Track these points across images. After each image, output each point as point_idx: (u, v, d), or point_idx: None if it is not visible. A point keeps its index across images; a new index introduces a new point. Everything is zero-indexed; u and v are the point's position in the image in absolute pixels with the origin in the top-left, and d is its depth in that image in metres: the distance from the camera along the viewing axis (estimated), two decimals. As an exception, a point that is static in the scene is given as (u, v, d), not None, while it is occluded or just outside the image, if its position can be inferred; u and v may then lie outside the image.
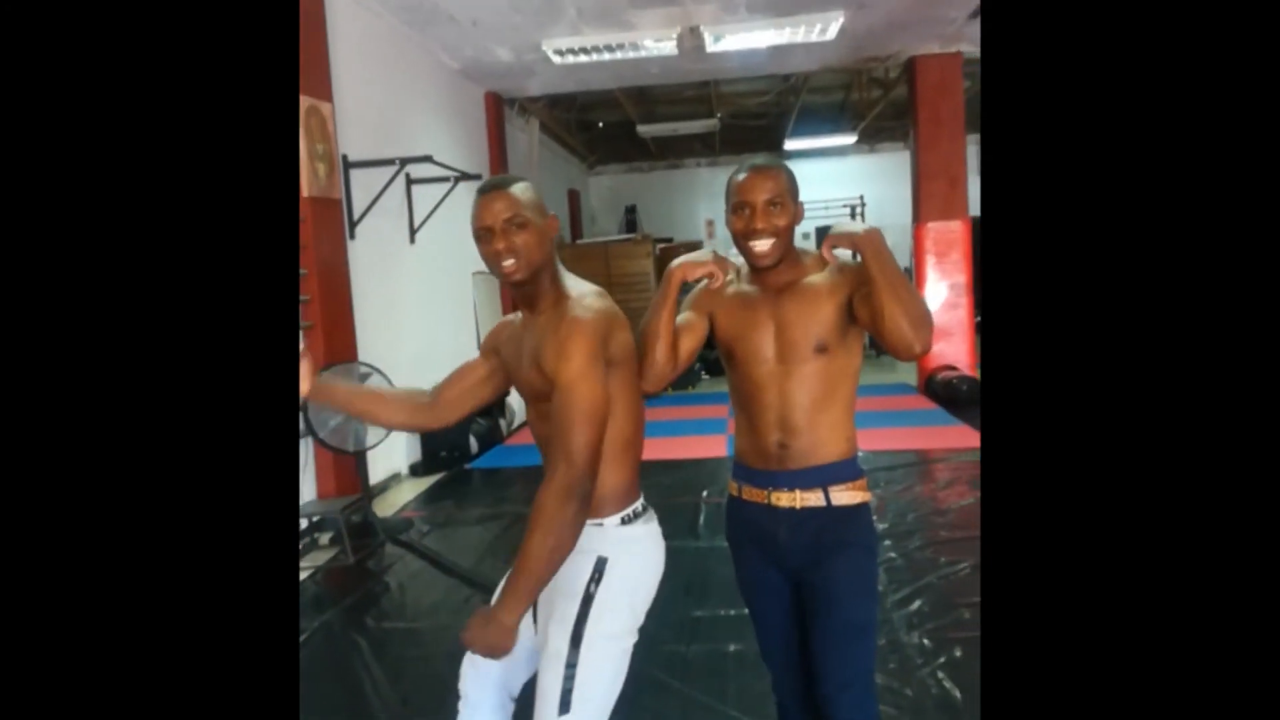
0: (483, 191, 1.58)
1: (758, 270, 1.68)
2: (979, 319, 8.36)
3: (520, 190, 1.58)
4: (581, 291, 1.60)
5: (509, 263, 1.55)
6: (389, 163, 5.07)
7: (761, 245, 1.63)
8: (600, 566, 1.57)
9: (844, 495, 1.68)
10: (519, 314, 1.72)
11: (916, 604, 3.21)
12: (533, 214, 1.56)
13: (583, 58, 6.60)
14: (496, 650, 1.44)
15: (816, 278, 1.68)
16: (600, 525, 1.59)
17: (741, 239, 1.65)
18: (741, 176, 1.66)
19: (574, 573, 1.55)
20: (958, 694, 2.53)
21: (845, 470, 1.70)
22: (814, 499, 1.67)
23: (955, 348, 7.56)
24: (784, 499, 1.68)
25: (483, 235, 1.56)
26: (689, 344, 1.69)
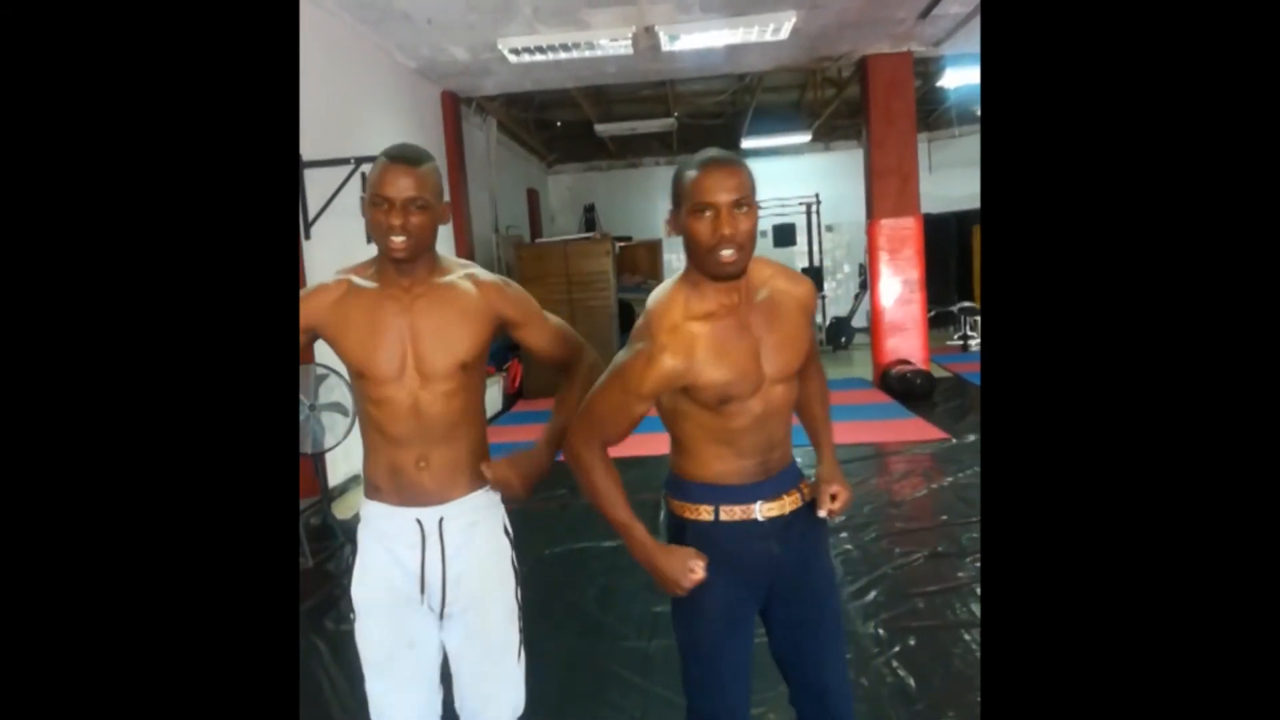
0: (393, 159, 1.55)
1: (719, 280, 1.45)
2: (930, 313, 8.52)
3: (428, 170, 1.57)
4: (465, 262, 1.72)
5: (399, 240, 1.53)
6: (344, 162, 5.02)
7: (730, 254, 1.41)
8: (509, 535, 1.76)
9: (809, 490, 1.63)
10: (337, 284, 1.62)
11: (871, 595, 3.28)
12: (434, 198, 1.57)
13: (539, 56, 6.59)
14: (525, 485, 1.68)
15: (783, 293, 1.55)
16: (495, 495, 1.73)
17: (704, 249, 1.42)
18: (697, 173, 1.42)
19: (499, 550, 1.72)
20: (912, 682, 2.60)
21: (798, 467, 1.66)
22: (793, 500, 1.59)
23: (909, 342, 7.69)
24: (771, 509, 1.56)
25: (382, 204, 1.53)
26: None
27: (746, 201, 1.42)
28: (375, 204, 1.54)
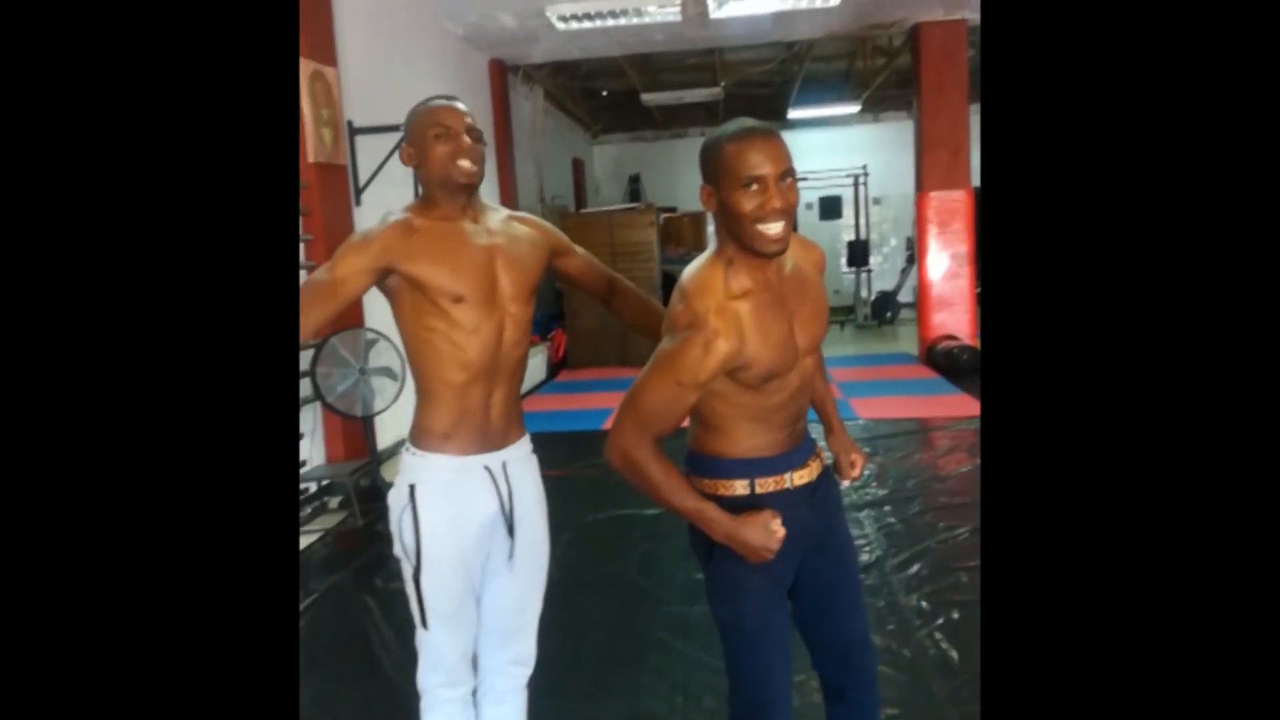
0: (442, 99, 1.66)
1: (764, 256, 1.39)
2: (979, 289, 8.37)
3: (468, 110, 1.67)
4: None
5: (467, 164, 1.60)
6: (394, 129, 5.06)
7: (778, 229, 1.35)
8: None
9: (822, 454, 1.63)
10: (400, 222, 1.61)
11: (915, 568, 3.27)
12: (483, 132, 1.68)
13: (586, 24, 6.55)
14: None
15: (801, 261, 1.53)
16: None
17: (752, 222, 1.35)
18: (738, 144, 1.36)
19: (542, 498, 1.79)
20: (955, 655, 2.60)
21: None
22: (818, 464, 1.59)
23: (956, 318, 7.59)
24: (803, 475, 1.53)
25: (444, 135, 1.60)
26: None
27: (791, 172, 1.37)
28: (435, 136, 1.60)
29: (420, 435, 1.66)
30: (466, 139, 1.61)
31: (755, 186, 1.34)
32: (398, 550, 1.68)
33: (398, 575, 1.62)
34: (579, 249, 1.86)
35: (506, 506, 1.69)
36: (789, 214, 1.36)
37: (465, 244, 1.62)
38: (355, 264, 1.56)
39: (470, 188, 1.63)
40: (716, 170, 1.38)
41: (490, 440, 1.67)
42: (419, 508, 1.64)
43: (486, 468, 1.67)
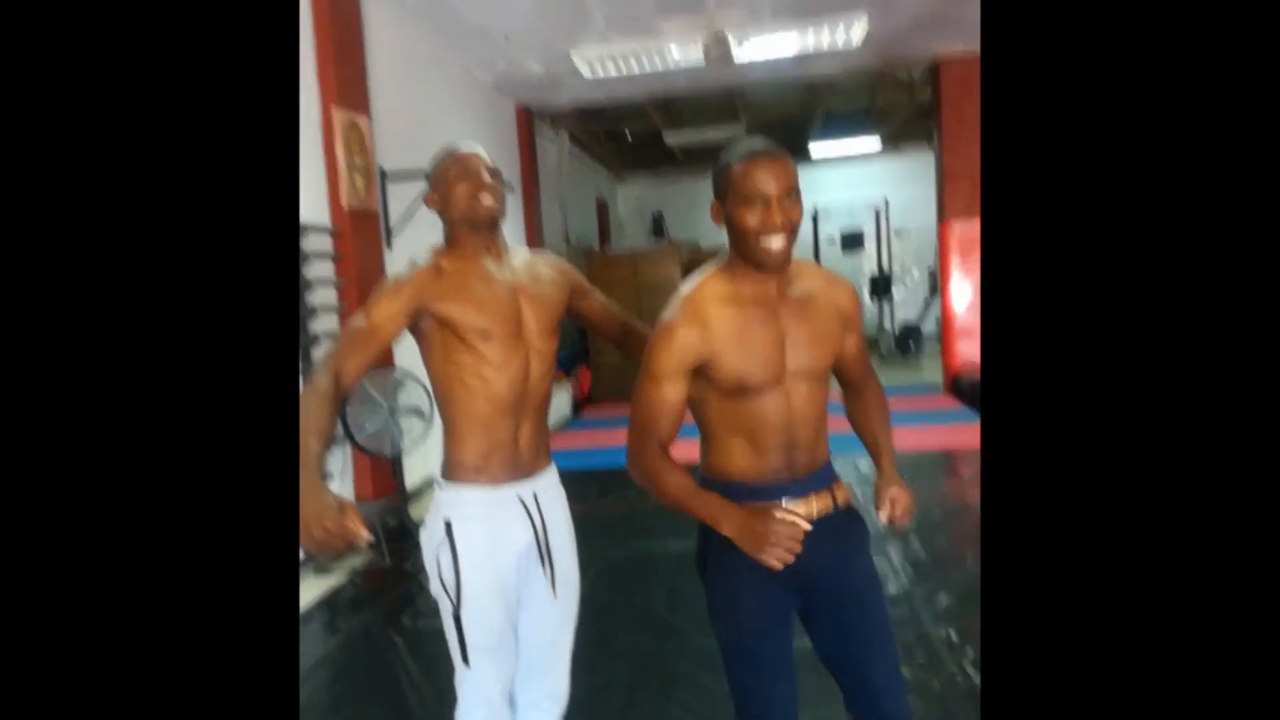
0: (460, 149, 1.72)
1: (764, 269, 1.46)
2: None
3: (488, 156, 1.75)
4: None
5: (488, 199, 1.67)
6: (425, 175, 5.20)
7: (779, 243, 1.43)
8: None
9: (843, 494, 1.60)
10: (429, 266, 1.67)
11: (943, 598, 3.25)
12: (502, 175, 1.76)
13: (612, 70, 6.70)
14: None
15: (820, 293, 1.55)
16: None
17: (754, 237, 1.42)
18: (745, 163, 1.43)
19: (570, 523, 1.84)
20: (984, 687, 2.57)
21: (833, 470, 1.62)
22: (823, 504, 1.56)
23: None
24: (796, 507, 1.52)
25: (466, 176, 1.68)
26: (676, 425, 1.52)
27: (795, 191, 1.44)
28: (459, 178, 1.68)
29: (452, 469, 1.69)
30: (486, 177, 1.68)
31: (759, 203, 1.42)
32: (435, 589, 1.70)
33: (425, 614, 1.65)
34: (597, 292, 1.91)
35: (541, 536, 1.73)
36: (790, 230, 1.44)
37: (490, 282, 1.68)
38: (389, 309, 1.61)
39: (492, 223, 1.69)
40: (725, 187, 1.47)
41: (520, 470, 1.71)
42: (456, 540, 1.66)
43: (519, 497, 1.71)
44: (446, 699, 2.79)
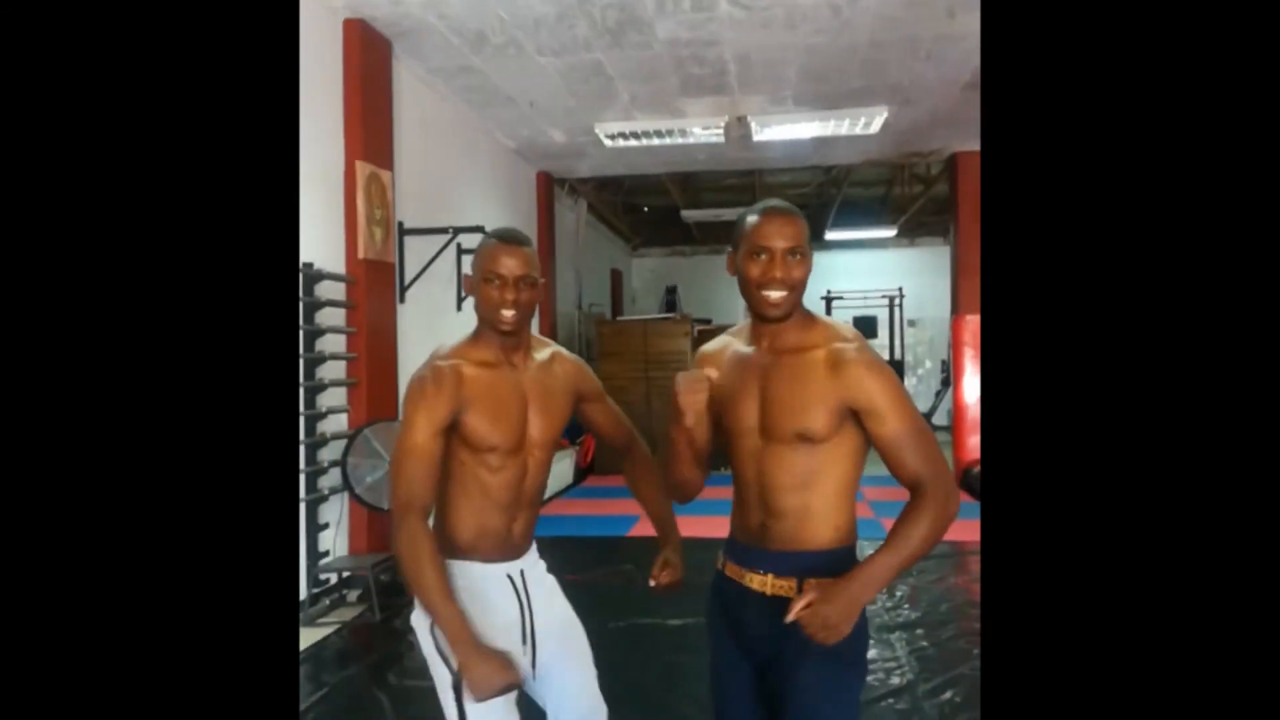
0: (504, 240, 1.68)
1: (764, 321, 1.52)
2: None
3: (532, 252, 1.70)
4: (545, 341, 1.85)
5: (510, 314, 1.65)
6: (442, 231, 5.25)
7: (777, 294, 1.48)
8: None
9: (810, 590, 1.42)
10: (452, 369, 1.64)
11: (948, 694, 3.13)
12: (538, 276, 1.71)
13: (633, 142, 6.83)
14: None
15: (817, 354, 1.48)
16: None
17: (755, 287, 1.49)
18: (758, 219, 1.50)
19: (558, 591, 1.86)
20: (990, 789, 2.45)
21: (829, 563, 1.49)
22: (786, 587, 1.49)
23: (992, 442, 7.47)
24: (755, 581, 1.53)
25: (494, 280, 1.65)
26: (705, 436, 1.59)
27: (800, 250, 1.50)
28: (487, 280, 1.66)
29: (443, 545, 1.68)
30: (512, 290, 1.64)
31: (764, 256, 1.49)
32: (429, 653, 1.65)
33: (412, 673, 1.59)
34: (609, 400, 1.91)
35: (526, 615, 1.74)
36: (790, 285, 1.49)
37: (505, 395, 1.68)
38: (430, 428, 1.60)
39: (510, 334, 1.68)
40: (737, 239, 1.54)
41: (511, 552, 1.75)
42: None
43: (508, 575, 1.74)
44: (429, 763, 2.69)
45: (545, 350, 1.80)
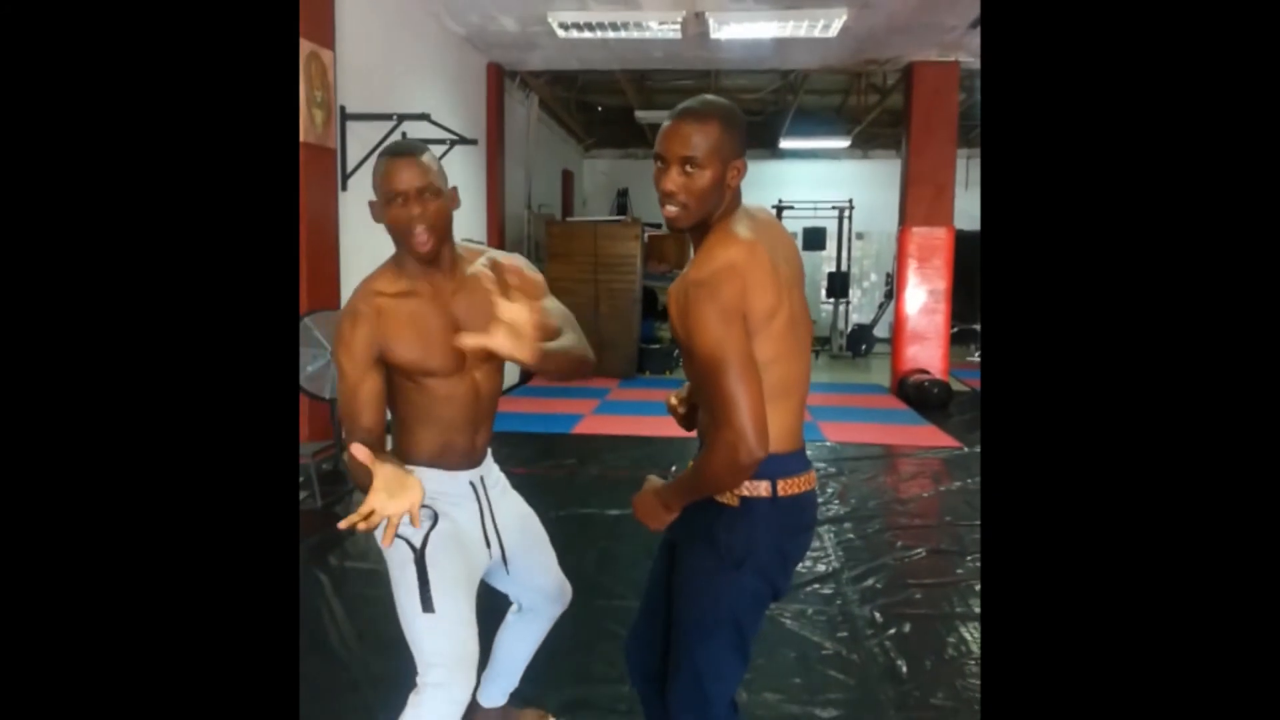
0: (395, 154, 1.58)
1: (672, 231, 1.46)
2: (953, 328, 8.48)
3: (429, 159, 1.59)
4: (475, 249, 1.76)
5: (423, 232, 1.56)
6: (387, 118, 5.07)
7: (669, 209, 1.39)
8: None
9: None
10: (371, 304, 1.61)
11: (870, 581, 3.29)
12: (442, 184, 1.60)
13: (587, 34, 6.61)
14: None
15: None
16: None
17: (660, 198, 1.41)
18: (666, 122, 1.39)
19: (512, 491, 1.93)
20: (903, 665, 2.62)
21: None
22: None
23: (929, 352, 7.67)
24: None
25: (396, 199, 1.55)
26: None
27: (695, 159, 1.35)
28: (389, 200, 1.56)
29: (405, 455, 1.70)
30: (417, 204, 1.55)
31: (659, 164, 1.40)
32: (393, 555, 1.66)
33: (353, 555, 1.61)
34: (548, 302, 1.72)
35: (484, 521, 1.79)
36: (683, 199, 1.38)
37: (429, 322, 1.62)
38: (356, 369, 1.58)
39: (429, 256, 1.60)
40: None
41: (472, 460, 1.77)
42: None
43: (470, 483, 1.77)
44: (366, 635, 2.76)
45: (477, 262, 1.72)
